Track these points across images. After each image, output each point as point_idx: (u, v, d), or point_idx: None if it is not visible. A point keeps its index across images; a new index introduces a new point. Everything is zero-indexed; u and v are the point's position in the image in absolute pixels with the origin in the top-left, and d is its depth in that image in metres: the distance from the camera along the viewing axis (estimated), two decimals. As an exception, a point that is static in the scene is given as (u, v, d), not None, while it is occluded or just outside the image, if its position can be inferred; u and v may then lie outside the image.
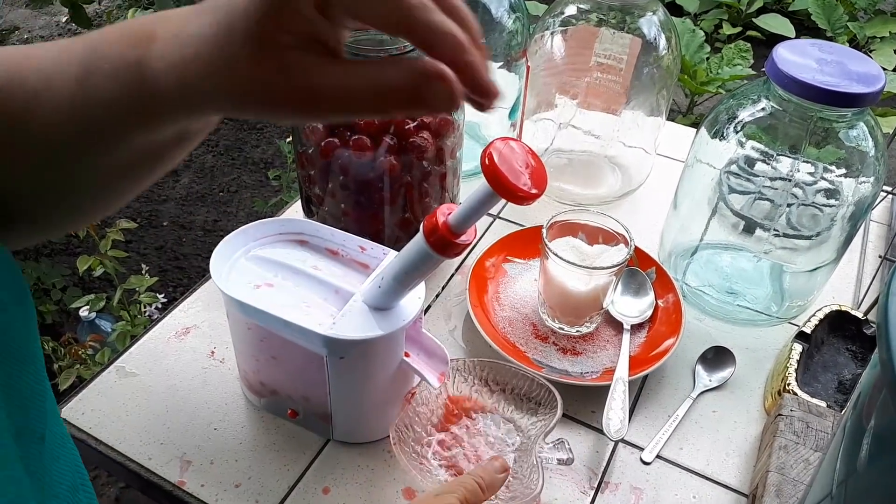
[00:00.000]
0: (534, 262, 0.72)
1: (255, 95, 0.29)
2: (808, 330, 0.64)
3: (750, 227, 0.66)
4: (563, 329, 0.65)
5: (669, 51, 0.72)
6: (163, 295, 1.51)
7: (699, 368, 0.64)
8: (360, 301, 0.52)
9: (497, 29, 0.75)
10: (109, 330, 1.53)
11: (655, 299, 0.68)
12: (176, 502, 0.54)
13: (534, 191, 0.39)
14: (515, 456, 0.56)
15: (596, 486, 0.56)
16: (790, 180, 0.62)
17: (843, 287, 0.75)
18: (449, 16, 0.29)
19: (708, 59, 2.23)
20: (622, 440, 0.59)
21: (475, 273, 0.69)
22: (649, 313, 0.67)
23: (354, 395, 0.54)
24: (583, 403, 0.61)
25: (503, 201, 0.41)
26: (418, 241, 0.46)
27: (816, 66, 0.56)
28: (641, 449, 0.59)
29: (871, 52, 2.63)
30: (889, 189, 0.83)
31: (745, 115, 0.61)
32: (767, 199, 0.65)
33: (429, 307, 0.69)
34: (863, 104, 0.54)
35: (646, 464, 0.58)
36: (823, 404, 0.58)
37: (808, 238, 0.65)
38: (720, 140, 0.63)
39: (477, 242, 0.77)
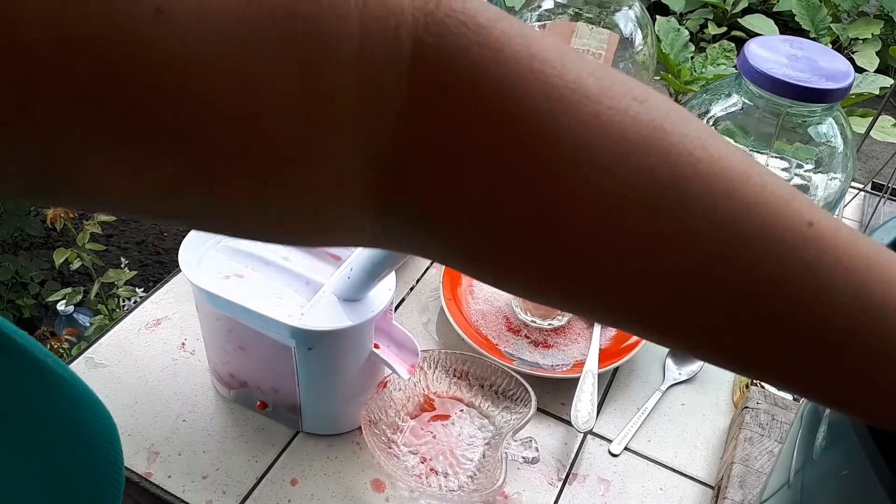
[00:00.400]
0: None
1: None
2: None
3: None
4: (535, 322, 0.66)
5: (645, 46, 0.72)
6: (142, 289, 1.50)
7: (669, 362, 0.65)
8: (329, 292, 0.52)
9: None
10: (88, 324, 1.52)
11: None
12: (143, 494, 0.54)
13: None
14: (485, 450, 0.57)
15: (564, 477, 0.56)
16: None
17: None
18: None
19: (692, 58, 2.24)
20: (591, 432, 0.59)
21: (449, 267, 0.69)
22: (621, 307, 0.67)
23: (323, 387, 0.54)
24: (553, 396, 0.61)
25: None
26: (385, 231, 0.46)
27: (787, 61, 0.57)
28: (610, 441, 0.59)
29: (853, 53, 2.66)
30: (860, 186, 0.83)
31: (717, 109, 0.62)
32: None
33: (403, 300, 0.69)
34: (831, 100, 0.55)
35: (614, 456, 0.58)
36: (790, 397, 0.58)
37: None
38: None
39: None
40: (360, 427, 0.56)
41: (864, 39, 2.68)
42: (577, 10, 0.72)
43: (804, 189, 0.63)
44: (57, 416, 0.33)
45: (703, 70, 2.24)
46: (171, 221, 0.22)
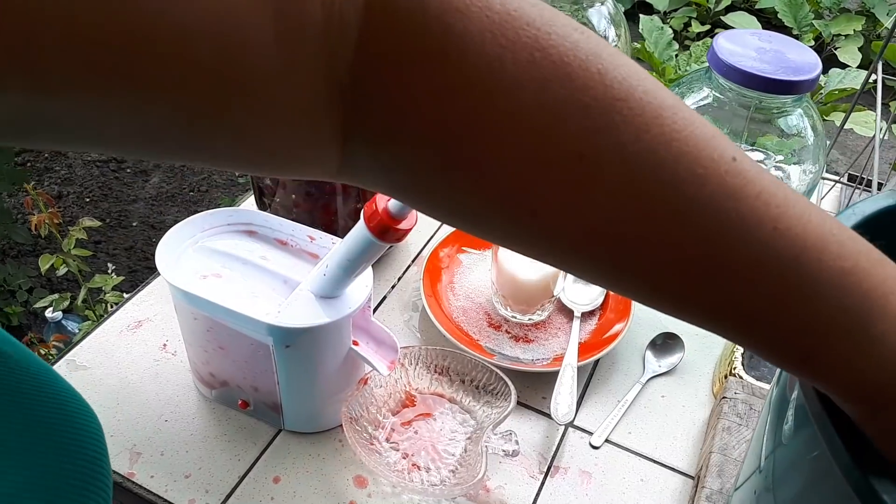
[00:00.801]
0: (488, 252, 0.73)
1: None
2: (754, 315, 0.65)
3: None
4: (515, 317, 0.66)
5: (619, 43, 0.73)
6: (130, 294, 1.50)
7: (649, 354, 0.65)
8: (306, 290, 0.52)
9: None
10: (76, 330, 1.52)
11: (607, 287, 0.69)
12: (126, 494, 0.54)
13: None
14: (466, 444, 0.57)
15: (545, 470, 0.57)
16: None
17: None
18: None
19: (676, 56, 2.26)
20: (571, 425, 0.60)
21: (430, 263, 0.70)
22: (600, 301, 0.68)
23: (303, 385, 0.55)
24: (534, 390, 0.62)
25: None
26: (360, 227, 0.46)
27: (755, 54, 0.57)
28: (591, 433, 0.59)
29: (836, 49, 2.68)
30: (836, 178, 0.84)
31: (689, 103, 0.62)
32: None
33: (385, 298, 0.69)
34: (799, 91, 0.55)
35: (595, 448, 0.58)
36: (768, 387, 0.59)
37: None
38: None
39: (434, 234, 0.77)
40: (341, 424, 0.56)
41: (846, 35, 2.70)
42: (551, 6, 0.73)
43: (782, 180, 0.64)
44: (43, 420, 0.33)
45: (688, 68, 2.26)
46: (152, 154, 0.24)
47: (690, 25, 2.91)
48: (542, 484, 0.56)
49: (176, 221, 0.60)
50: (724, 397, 0.58)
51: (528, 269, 0.62)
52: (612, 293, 0.69)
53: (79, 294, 1.41)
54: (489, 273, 0.69)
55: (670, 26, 2.84)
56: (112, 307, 1.41)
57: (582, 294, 0.68)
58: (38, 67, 0.17)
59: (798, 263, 0.24)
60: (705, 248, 0.24)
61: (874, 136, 0.67)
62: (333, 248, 0.55)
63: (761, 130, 0.60)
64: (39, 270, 1.36)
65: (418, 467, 0.55)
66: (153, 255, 0.57)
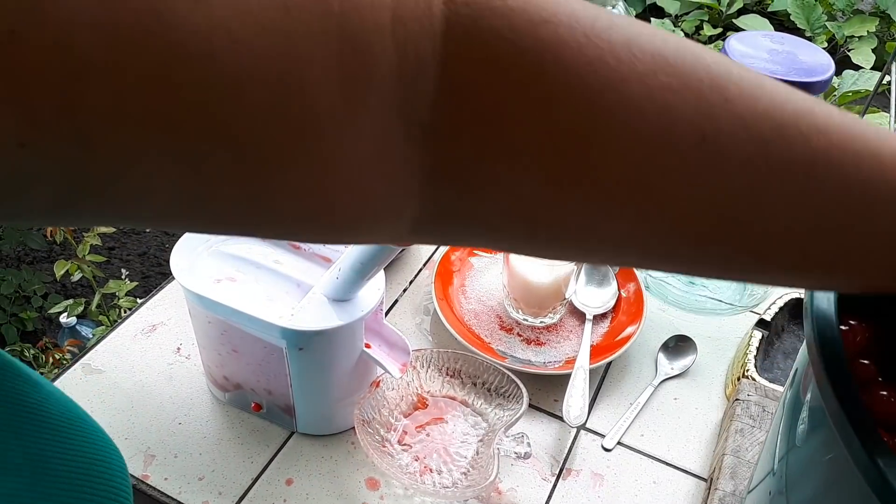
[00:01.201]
0: (500, 256, 0.73)
1: None
2: (767, 317, 0.64)
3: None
4: (527, 320, 0.66)
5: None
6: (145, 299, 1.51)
7: (661, 357, 0.65)
8: (319, 293, 0.53)
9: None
10: (90, 336, 1.53)
11: (618, 289, 0.68)
12: (139, 496, 0.55)
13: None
14: (478, 447, 0.57)
15: (557, 473, 0.57)
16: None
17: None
18: None
19: (688, 59, 2.25)
20: (583, 427, 0.60)
21: (441, 266, 0.70)
22: (612, 303, 0.68)
23: (316, 387, 0.55)
24: (546, 392, 0.62)
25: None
26: (371, 230, 0.47)
27: (767, 56, 0.57)
28: (603, 436, 0.59)
29: (849, 51, 2.66)
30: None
31: (701, 106, 0.62)
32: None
33: (396, 301, 0.70)
34: (812, 93, 0.55)
35: (607, 450, 0.58)
36: (781, 389, 0.59)
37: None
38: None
39: (445, 238, 0.77)
40: (354, 427, 0.56)
41: (859, 37, 2.69)
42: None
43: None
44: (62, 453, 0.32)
45: (699, 71, 2.26)
46: (197, 227, 0.22)
47: (702, 28, 2.90)
48: (554, 486, 0.56)
49: (190, 226, 0.60)
50: (737, 399, 0.58)
51: (539, 271, 0.62)
52: (622, 297, 0.69)
53: (93, 300, 1.42)
54: (501, 276, 0.69)
55: (682, 29, 2.84)
56: (125, 312, 1.42)
57: (594, 297, 0.68)
58: (81, 118, 0.16)
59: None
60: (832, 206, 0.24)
61: (888, 137, 0.67)
62: (346, 252, 0.55)
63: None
64: (54, 276, 1.38)
65: (430, 469, 0.55)
66: (166, 260, 0.57)
